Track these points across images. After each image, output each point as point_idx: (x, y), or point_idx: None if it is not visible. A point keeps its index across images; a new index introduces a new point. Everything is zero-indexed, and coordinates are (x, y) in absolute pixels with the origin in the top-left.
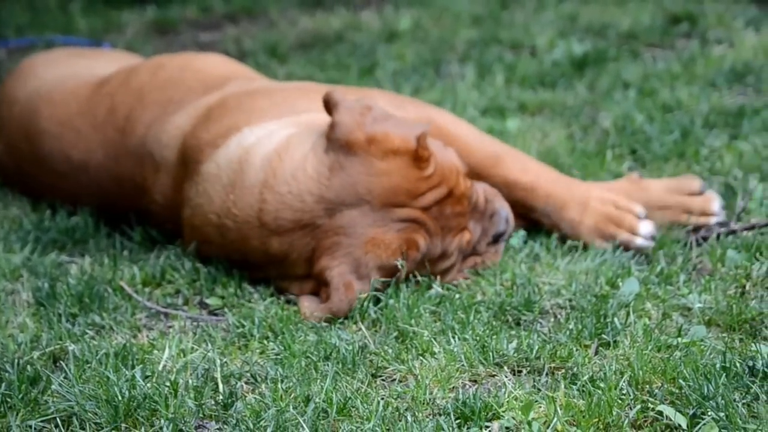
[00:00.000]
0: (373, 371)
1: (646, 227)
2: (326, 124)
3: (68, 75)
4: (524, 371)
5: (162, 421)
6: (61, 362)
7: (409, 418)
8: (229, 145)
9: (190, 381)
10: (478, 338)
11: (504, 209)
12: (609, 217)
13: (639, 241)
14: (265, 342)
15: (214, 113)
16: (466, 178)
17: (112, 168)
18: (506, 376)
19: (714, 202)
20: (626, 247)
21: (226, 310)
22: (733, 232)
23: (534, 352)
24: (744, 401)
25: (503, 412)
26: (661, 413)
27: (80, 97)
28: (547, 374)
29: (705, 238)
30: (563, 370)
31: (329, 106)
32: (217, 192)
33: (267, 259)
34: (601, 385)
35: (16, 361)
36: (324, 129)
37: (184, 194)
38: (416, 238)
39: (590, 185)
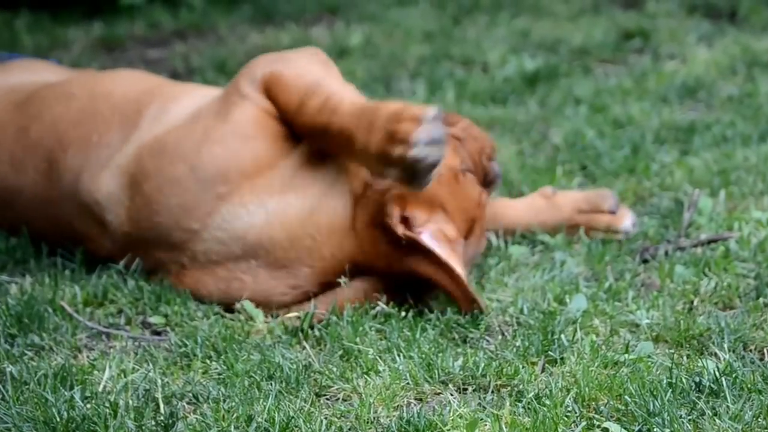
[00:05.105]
0: (317, 390)
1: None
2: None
3: None
4: (470, 389)
5: None
6: None
7: None
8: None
9: (130, 402)
10: (423, 356)
11: (499, 167)
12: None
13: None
14: (208, 361)
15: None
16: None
17: (44, 209)
18: (451, 394)
19: (625, 220)
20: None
21: (168, 329)
22: (682, 248)
23: (480, 369)
24: (690, 417)
25: (448, 430)
26: (606, 430)
27: None
28: (492, 392)
29: (653, 256)
30: (509, 388)
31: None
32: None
33: None
34: (547, 402)
35: None
36: None
37: None
38: None
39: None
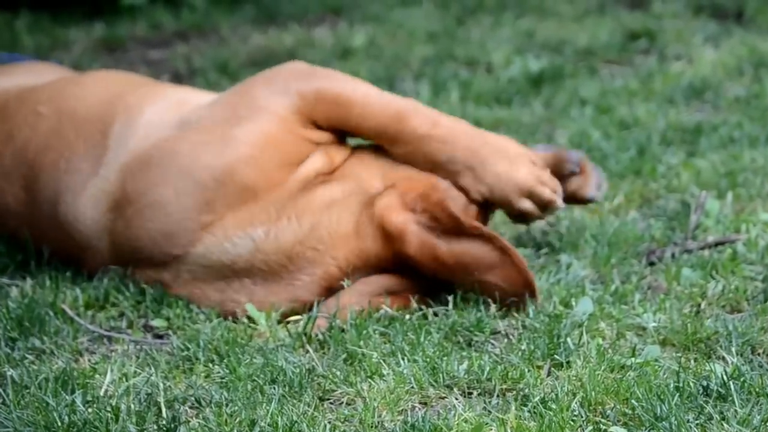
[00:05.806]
0: (321, 394)
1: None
2: None
3: None
4: (475, 393)
5: None
6: (0, 388)
7: None
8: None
9: (132, 406)
10: (428, 360)
11: None
12: (534, 174)
13: (560, 202)
14: (210, 365)
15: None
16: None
17: (32, 231)
18: (456, 398)
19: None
20: (547, 207)
21: (170, 332)
22: (689, 251)
23: (485, 373)
24: (697, 422)
25: None
26: None
27: None
28: (498, 396)
29: (660, 258)
30: (514, 392)
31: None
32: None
33: None
34: (553, 406)
35: None
36: None
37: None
38: None
39: (504, 138)
